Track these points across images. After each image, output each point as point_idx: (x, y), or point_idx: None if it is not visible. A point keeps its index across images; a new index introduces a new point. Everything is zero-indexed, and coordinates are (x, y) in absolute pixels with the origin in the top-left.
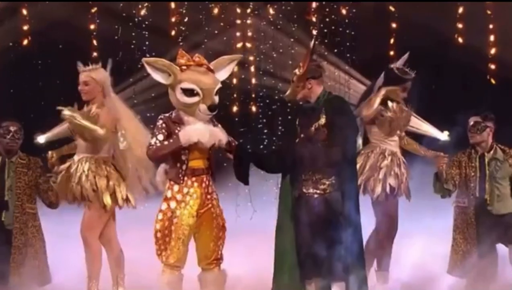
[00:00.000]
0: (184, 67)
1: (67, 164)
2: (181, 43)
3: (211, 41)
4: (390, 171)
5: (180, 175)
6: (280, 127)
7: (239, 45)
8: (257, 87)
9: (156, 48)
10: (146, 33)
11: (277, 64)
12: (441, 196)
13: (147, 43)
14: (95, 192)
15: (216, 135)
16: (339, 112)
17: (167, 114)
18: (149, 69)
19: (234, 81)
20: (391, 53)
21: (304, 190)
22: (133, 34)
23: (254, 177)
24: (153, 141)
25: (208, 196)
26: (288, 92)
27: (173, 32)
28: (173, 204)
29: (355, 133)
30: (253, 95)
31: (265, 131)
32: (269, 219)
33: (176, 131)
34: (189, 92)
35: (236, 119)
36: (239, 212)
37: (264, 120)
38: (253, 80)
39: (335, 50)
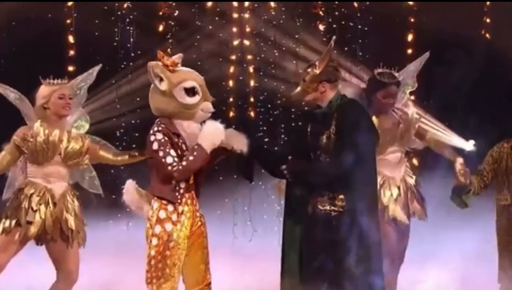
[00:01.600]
0: (171, 68)
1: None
2: (170, 40)
3: (204, 38)
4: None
5: (178, 194)
6: (282, 136)
7: (236, 42)
8: (257, 90)
9: (142, 46)
10: (131, 28)
11: (279, 64)
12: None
13: (131, 40)
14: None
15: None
16: (350, 116)
17: (160, 126)
18: (149, 74)
19: (231, 83)
20: (409, 51)
21: (320, 207)
22: (116, 30)
23: (254, 192)
24: (170, 160)
25: (197, 214)
26: (295, 92)
27: (161, 27)
28: (169, 226)
29: (370, 140)
30: (252, 99)
31: (266, 140)
32: (270, 241)
33: (180, 144)
34: (191, 92)
35: (233, 126)
36: (237, 232)
37: (265, 128)
38: (252, 82)
39: (345, 48)
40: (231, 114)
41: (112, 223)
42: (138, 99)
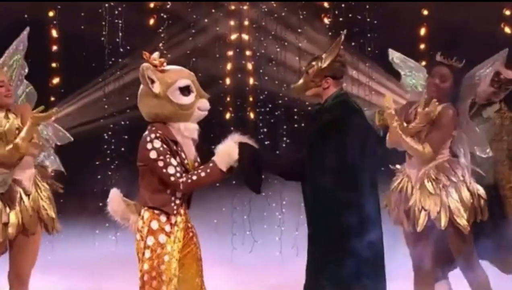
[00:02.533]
0: (160, 68)
1: None
2: (162, 35)
3: (199, 32)
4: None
5: (174, 205)
6: (284, 138)
7: (233, 36)
8: (256, 89)
9: (132, 41)
10: (119, 22)
11: (281, 61)
12: None
13: (120, 34)
14: None
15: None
16: (333, 116)
17: (157, 132)
18: (141, 77)
19: (228, 81)
20: (422, 46)
21: None
22: (103, 23)
23: (253, 200)
24: (172, 170)
25: (189, 224)
26: (297, 84)
27: (152, 21)
28: (162, 238)
29: (351, 148)
30: (251, 99)
31: (266, 143)
32: (272, 251)
33: (179, 151)
34: (186, 91)
35: (231, 128)
36: (236, 243)
37: (265, 130)
38: (251, 81)
39: (353, 43)
40: (229, 115)
41: (99, 234)
42: (127, 98)
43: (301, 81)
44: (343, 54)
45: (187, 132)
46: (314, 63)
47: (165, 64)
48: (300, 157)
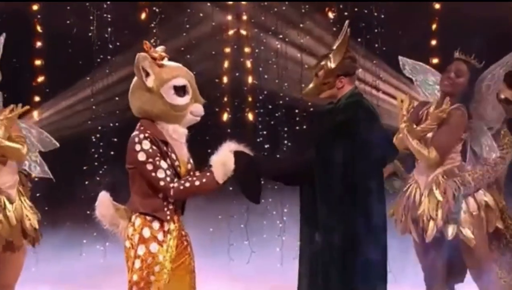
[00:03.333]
0: (159, 62)
1: None
2: (154, 30)
3: (194, 27)
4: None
5: (167, 211)
6: (285, 141)
7: (231, 32)
8: (256, 89)
9: (122, 37)
10: (109, 16)
11: (281, 58)
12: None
13: (109, 29)
14: None
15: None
16: (347, 117)
17: (146, 132)
18: (136, 68)
19: (225, 80)
20: (433, 42)
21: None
22: (91, 17)
23: (252, 208)
24: (161, 174)
25: (183, 232)
26: (308, 89)
27: (143, 15)
28: (154, 247)
29: (363, 151)
30: (250, 99)
31: (266, 146)
32: (271, 263)
33: (170, 153)
34: (181, 91)
35: (228, 130)
36: (233, 253)
37: (265, 132)
38: (250, 79)
39: (359, 39)
40: (226, 116)
41: (86, 243)
42: (117, 98)
43: (311, 85)
44: (351, 48)
45: (176, 135)
46: (322, 63)
47: (166, 59)
48: (300, 160)
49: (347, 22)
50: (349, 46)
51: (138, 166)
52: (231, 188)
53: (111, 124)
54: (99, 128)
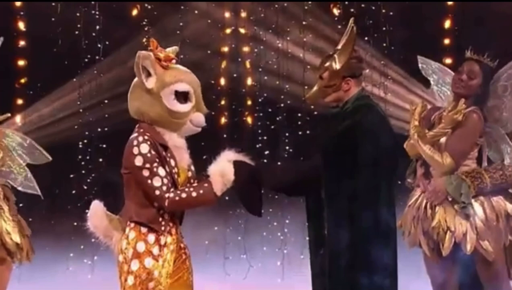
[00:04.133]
0: (164, 63)
1: None
2: (146, 28)
3: (189, 24)
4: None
5: (162, 221)
6: (287, 148)
7: (228, 30)
8: (255, 90)
9: (111, 35)
10: (97, 13)
11: (283, 58)
12: None
13: (97, 27)
14: None
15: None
16: (358, 123)
17: (145, 135)
18: (135, 66)
19: (222, 81)
20: (446, 41)
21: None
22: (78, 14)
23: (250, 218)
24: (157, 182)
25: (181, 245)
26: (311, 93)
27: (135, 12)
28: (149, 262)
29: (375, 161)
30: (249, 102)
31: (266, 153)
32: (271, 278)
33: (168, 158)
34: (183, 97)
35: (225, 135)
36: (229, 268)
37: (265, 137)
38: (249, 80)
39: (365, 38)
40: (223, 120)
41: (73, 257)
42: (106, 101)
43: (315, 88)
44: (357, 49)
45: (172, 142)
46: (327, 64)
47: (173, 61)
48: (305, 168)
49: (352, 19)
50: (355, 45)
51: (133, 171)
52: (227, 198)
53: (100, 130)
54: (87, 133)
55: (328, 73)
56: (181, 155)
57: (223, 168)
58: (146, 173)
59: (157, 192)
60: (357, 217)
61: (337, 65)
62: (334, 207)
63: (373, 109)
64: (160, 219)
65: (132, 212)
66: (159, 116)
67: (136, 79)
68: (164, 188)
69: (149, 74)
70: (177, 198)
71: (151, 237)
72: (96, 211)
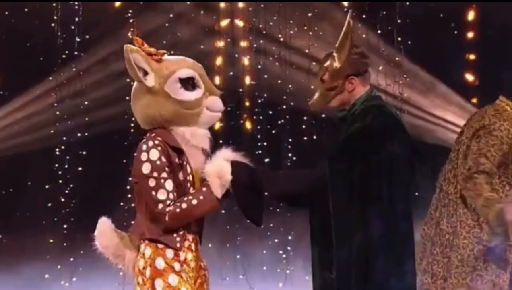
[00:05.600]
0: (156, 57)
1: None
2: (131, 20)
3: (179, 17)
4: None
5: (177, 236)
6: (290, 155)
7: (224, 23)
8: (254, 91)
9: (91, 29)
10: (76, 4)
11: (285, 54)
12: None
13: (76, 20)
14: None
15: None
16: (357, 134)
17: (157, 139)
18: (128, 65)
19: (217, 80)
20: (470, 35)
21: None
22: (54, 4)
23: (249, 233)
24: (162, 195)
25: (202, 264)
26: (314, 98)
27: (117, 3)
28: (173, 279)
29: (392, 169)
30: (248, 103)
31: (267, 160)
32: None
33: (185, 164)
34: (189, 84)
35: (221, 141)
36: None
37: (265, 143)
38: (247, 80)
39: (378, 31)
40: (218, 124)
41: (49, 279)
42: (86, 102)
43: (317, 93)
44: (358, 44)
45: (195, 139)
46: (326, 64)
47: (166, 55)
48: (310, 175)
49: (350, 11)
50: (354, 40)
51: (140, 180)
52: (223, 211)
53: (79, 134)
54: (64, 139)
55: (329, 74)
56: (197, 160)
57: (220, 168)
58: (152, 183)
59: (160, 206)
60: (369, 232)
61: (337, 63)
62: (342, 222)
63: (385, 110)
64: (175, 234)
65: (144, 228)
66: (171, 113)
67: (134, 85)
68: (168, 202)
69: (145, 73)
70: (177, 210)
71: (170, 253)
72: (104, 230)
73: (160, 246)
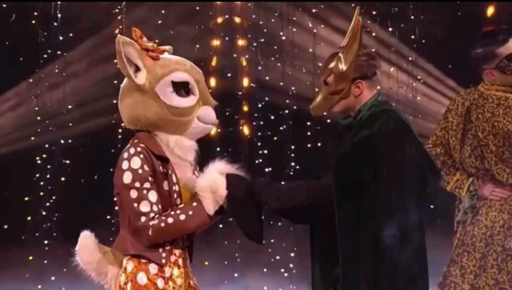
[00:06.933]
0: (153, 54)
1: None
2: (119, 16)
3: (171, 12)
4: None
5: (162, 251)
6: (293, 164)
7: (220, 19)
8: (253, 94)
9: (76, 25)
10: None
11: (288, 54)
12: None
13: (59, 15)
14: None
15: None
16: (364, 142)
17: (139, 146)
18: (118, 57)
19: (212, 82)
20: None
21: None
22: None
23: (247, 250)
24: (145, 207)
25: (191, 282)
26: (316, 102)
27: None
28: None
29: (401, 183)
30: (246, 108)
31: (268, 170)
32: None
33: (170, 174)
34: (183, 89)
35: (218, 148)
36: None
37: (266, 151)
38: (246, 82)
39: (390, 29)
40: (214, 130)
41: None
42: (70, 107)
43: (320, 96)
44: (366, 45)
45: (179, 150)
46: (331, 66)
47: (166, 53)
48: (316, 187)
49: (358, 7)
50: (362, 40)
51: (121, 191)
52: (221, 225)
53: (62, 142)
54: (46, 146)
55: (334, 76)
56: (184, 172)
57: (213, 182)
58: (133, 194)
59: (142, 220)
60: (378, 246)
61: (343, 65)
62: (349, 235)
63: (394, 115)
64: (160, 249)
65: (127, 243)
66: (158, 117)
67: (124, 82)
68: (151, 215)
69: (137, 69)
70: (162, 224)
71: (153, 268)
72: (86, 244)
73: (143, 261)
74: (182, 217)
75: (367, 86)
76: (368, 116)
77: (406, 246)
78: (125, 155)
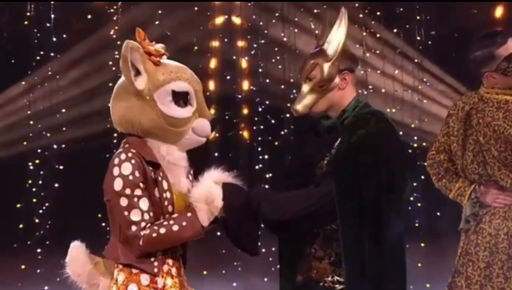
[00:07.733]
0: (155, 59)
1: None
2: (115, 17)
3: (169, 13)
4: None
5: (155, 260)
6: None
7: (219, 20)
8: (253, 97)
9: (70, 26)
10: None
11: (289, 55)
12: None
13: (53, 16)
14: None
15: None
16: (369, 140)
17: (130, 151)
18: (123, 62)
19: (211, 86)
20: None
21: (313, 275)
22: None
23: (247, 262)
24: (136, 216)
25: None
26: (298, 101)
27: None
28: None
29: (391, 181)
30: (246, 111)
31: (268, 176)
32: None
33: (160, 180)
34: (182, 99)
35: (216, 153)
36: None
37: (266, 156)
38: (246, 84)
39: (395, 30)
40: (212, 134)
41: None
42: (63, 110)
43: (303, 93)
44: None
45: (171, 158)
46: (315, 60)
47: (164, 57)
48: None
49: (343, 9)
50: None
51: (111, 198)
52: (218, 233)
53: (55, 146)
54: (39, 151)
55: (319, 68)
56: (177, 177)
57: (208, 192)
58: (124, 201)
59: (133, 229)
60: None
61: (331, 53)
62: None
63: (383, 117)
64: (152, 258)
65: (118, 253)
66: (152, 125)
67: (120, 80)
68: (142, 224)
69: (138, 73)
70: (154, 234)
71: (145, 278)
72: (77, 255)
73: (134, 271)
74: (175, 227)
75: (351, 81)
76: (353, 118)
77: (403, 244)
78: (116, 161)
